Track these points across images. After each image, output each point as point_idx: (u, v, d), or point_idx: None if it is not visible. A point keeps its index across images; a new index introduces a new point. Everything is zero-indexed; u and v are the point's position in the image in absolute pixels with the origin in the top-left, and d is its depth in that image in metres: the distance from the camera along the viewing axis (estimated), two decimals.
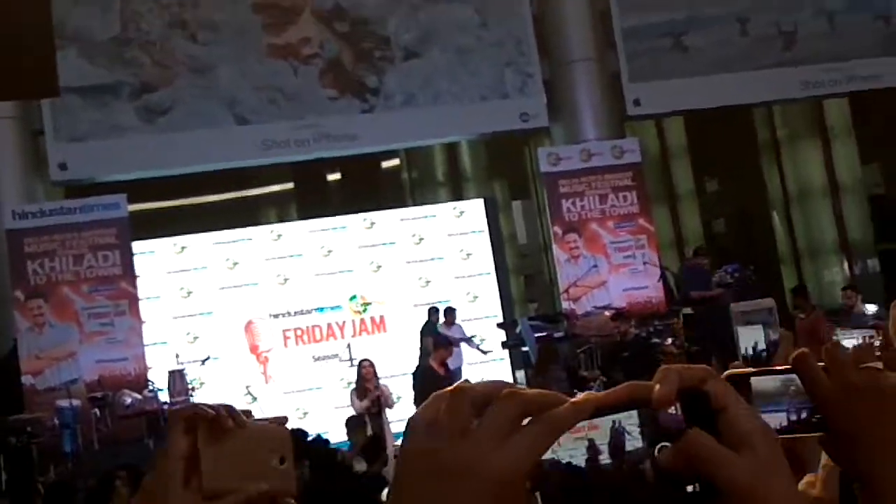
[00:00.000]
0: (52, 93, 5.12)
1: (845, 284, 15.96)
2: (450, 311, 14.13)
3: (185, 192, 17.76)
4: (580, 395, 0.76)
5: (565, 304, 14.88)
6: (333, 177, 20.68)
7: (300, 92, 15.01)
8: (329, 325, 15.35)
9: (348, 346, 14.77)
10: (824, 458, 1.01)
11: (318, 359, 15.11)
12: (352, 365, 13.81)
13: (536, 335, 14.03)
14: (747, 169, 20.10)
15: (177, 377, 13.22)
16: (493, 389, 0.75)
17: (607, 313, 14.32)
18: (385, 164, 20.66)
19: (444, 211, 16.59)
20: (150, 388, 13.27)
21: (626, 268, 15.06)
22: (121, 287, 13.83)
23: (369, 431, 10.97)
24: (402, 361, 14.09)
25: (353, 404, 12.22)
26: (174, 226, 16.13)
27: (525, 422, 0.74)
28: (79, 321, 13.54)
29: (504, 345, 14.51)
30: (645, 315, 14.09)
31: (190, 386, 13.37)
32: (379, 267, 15.66)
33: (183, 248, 15.27)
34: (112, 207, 13.92)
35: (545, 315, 15.63)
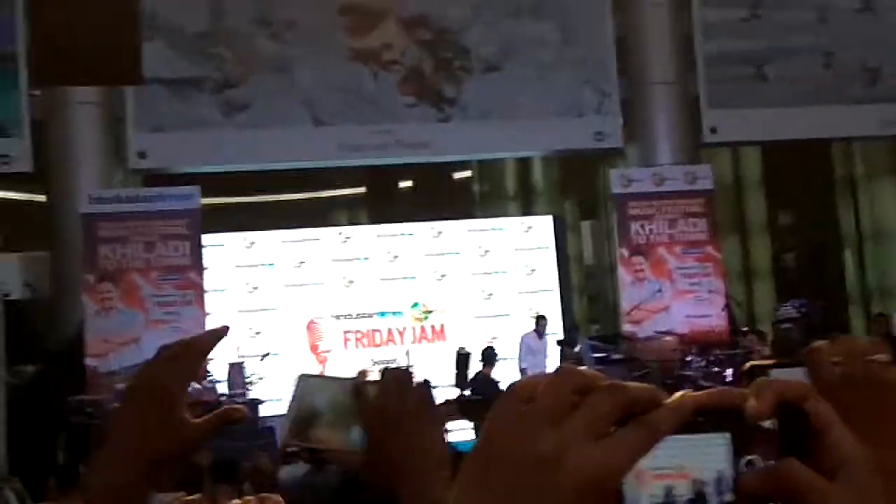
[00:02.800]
0: (136, 81, 5.23)
1: None
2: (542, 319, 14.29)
3: (258, 189, 17.95)
4: (675, 395, 0.70)
5: (627, 327, 14.80)
6: (405, 184, 20.78)
7: (378, 97, 15.10)
8: (389, 330, 15.43)
9: (407, 352, 14.82)
10: None
11: (377, 363, 15.18)
12: None
13: (595, 356, 13.97)
14: (822, 204, 19.81)
15: (236, 370, 13.37)
16: (596, 378, 0.69)
17: (668, 339, 14.21)
18: (457, 175, 20.71)
19: (513, 225, 16.59)
20: (209, 378, 13.42)
21: (691, 294, 14.91)
22: (188, 277, 14.01)
23: None
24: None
25: None
26: (245, 221, 16.31)
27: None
28: (144, 308, 13.72)
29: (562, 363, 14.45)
30: (707, 343, 13.95)
31: (248, 380, 13.50)
32: (443, 276, 15.70)
33: (252, 243, 15.45)
34: (185, 198, 14.10)
35: (606, 336, 15.56)
